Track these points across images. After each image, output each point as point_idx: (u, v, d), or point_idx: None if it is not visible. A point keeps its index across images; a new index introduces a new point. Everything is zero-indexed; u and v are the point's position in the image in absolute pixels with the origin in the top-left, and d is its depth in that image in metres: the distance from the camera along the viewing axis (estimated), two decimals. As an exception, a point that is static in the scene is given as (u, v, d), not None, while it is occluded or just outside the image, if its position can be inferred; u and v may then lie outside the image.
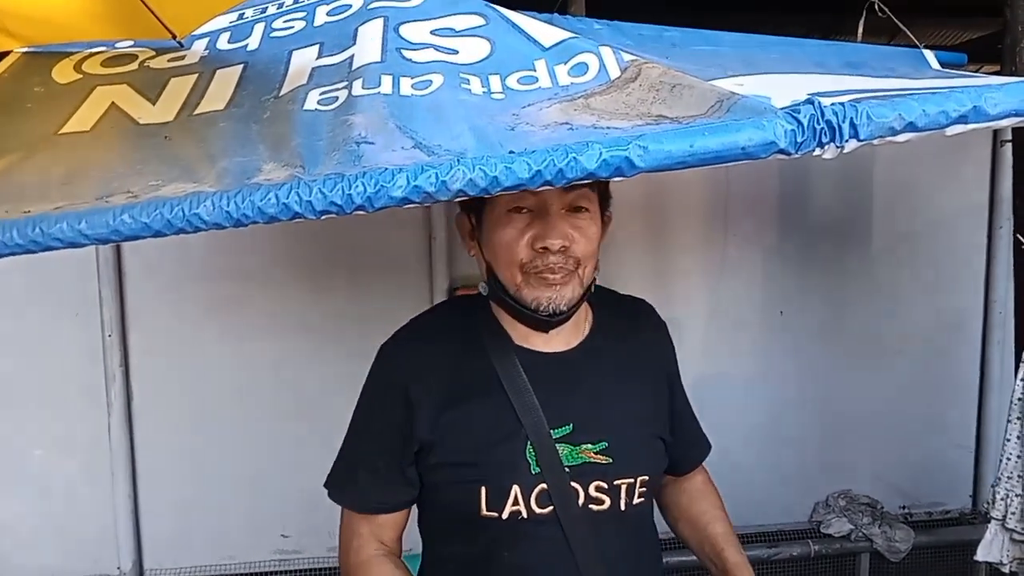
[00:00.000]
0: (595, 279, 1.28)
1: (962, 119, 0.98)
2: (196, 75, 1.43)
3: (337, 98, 1.25)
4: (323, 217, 0.95)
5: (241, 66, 1.45)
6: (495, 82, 1.30)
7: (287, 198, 0.94)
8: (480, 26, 1.46)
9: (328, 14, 1.56)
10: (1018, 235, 1.87)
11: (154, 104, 1.34)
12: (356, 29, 1.46)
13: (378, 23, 1.45)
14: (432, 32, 1.44)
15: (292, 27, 1.55)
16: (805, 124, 0.93)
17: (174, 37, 1.53)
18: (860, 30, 2.28)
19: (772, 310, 2.89)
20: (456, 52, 1.38)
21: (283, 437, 2.72)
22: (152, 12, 1.45)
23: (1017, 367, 1.86)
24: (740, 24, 2.27)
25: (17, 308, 2.56)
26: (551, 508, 1.22)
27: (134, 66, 1.50)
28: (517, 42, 1.40)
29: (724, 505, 1.49)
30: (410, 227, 2.72)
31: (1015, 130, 1.90)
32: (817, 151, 0.96)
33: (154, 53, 1.55)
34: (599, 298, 1.37)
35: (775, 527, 2.89)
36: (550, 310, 1.20)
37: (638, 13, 2.16)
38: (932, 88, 1.31)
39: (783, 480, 2.89)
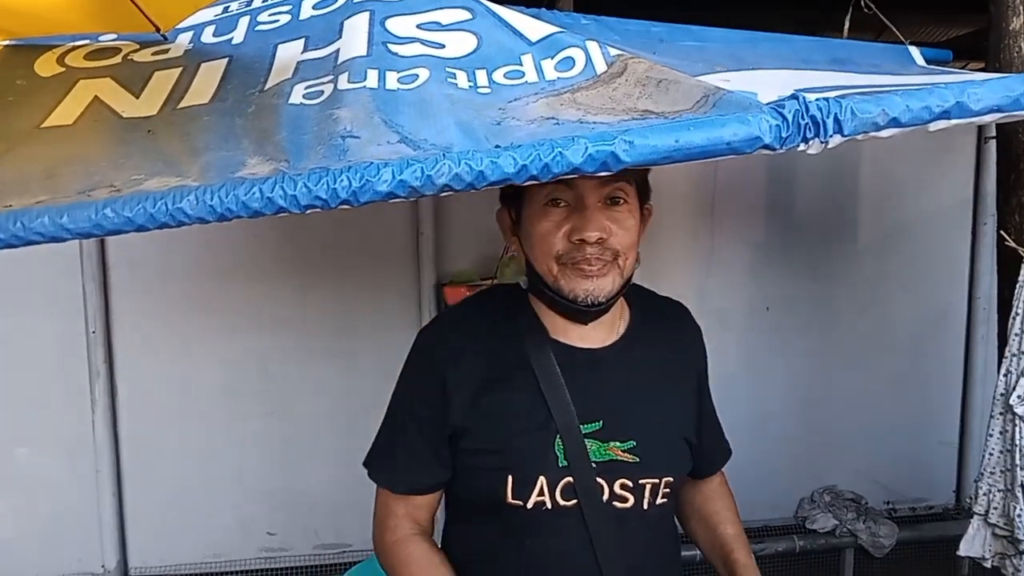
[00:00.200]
0: (634, 271, 1.28)
1: (945, 115, 0.98)
2: (180, 69, 1.42)
3: (323, 92, 1.24)
4: (308, 211, 0.95)
5: (226, 60, 1.44)
6: (481, 76, 1.30)
7: (271, 192, 0.93)
8: (467, 20, 1.45)
9: (314, 7, 1.55)
10: (1002, 231, 1.88)
11: (137, 98, 1.33)
12: (342, 23, 1.45)
13: (364, 17, 1.44)
14: (418, 26, 1.43)
15: (277, 21, 1.54)
16: (790, 119, 0.94)
17: (158, 30, 1.52)
18: (846, 26, 2.29)
19: (758, 306, 2.90)
20: (442, 46, 1.38)
21: (269, 435, 2.72)
22: (136, 5, 1.44)
23: (999, 363, 1.87)
24: (727, 20, 2.27)
25: (-1, 304, 2.54)
26: (575, 501, 1.23)
27: (117, 59, 1.49)
28: (504, 36, 1.40)
29: (737, 508, 1.51)
30: (397, 223, 2.71)
31: (999, 126, 1.91)
32: (802, 146, 0.96)
33: (138, 46, 1.54)
34: (637, 298, 1.38)
35: (760, 523, 2.91)
36: (588, 301, 1.21)
37: (625, 8, 2.17)
38: (916, 84, 1.32)
39: (769, 476, 2.91)
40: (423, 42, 1.38)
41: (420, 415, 1.31)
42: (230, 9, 1.63)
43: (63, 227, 0.93)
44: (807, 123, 0.94)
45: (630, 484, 1.25)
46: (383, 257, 2.74)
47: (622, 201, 1.21)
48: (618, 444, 1.25)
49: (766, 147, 0.94)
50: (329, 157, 1.04)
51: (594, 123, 1.08)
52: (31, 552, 2.63)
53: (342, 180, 0.93)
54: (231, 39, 1.51)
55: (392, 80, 1.26)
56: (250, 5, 1.62)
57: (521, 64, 1.32)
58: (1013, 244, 1.83)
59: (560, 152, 0.94)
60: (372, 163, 0.94)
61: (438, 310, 2.72)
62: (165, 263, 2.60)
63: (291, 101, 1.23)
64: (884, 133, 0.98)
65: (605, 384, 1.28)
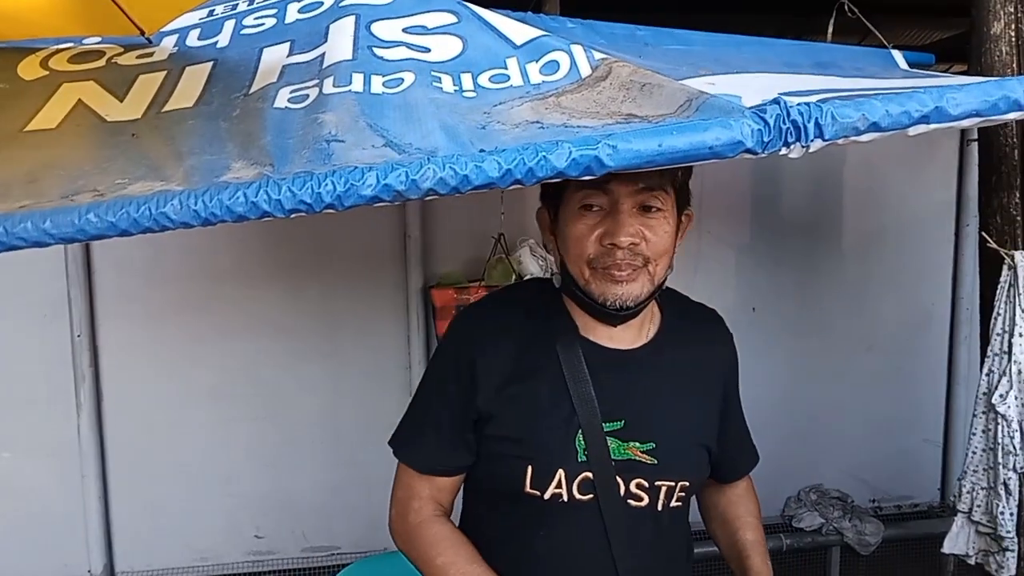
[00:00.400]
0: (667, 277, 1.29)
1: (924, 119, 0.99)
2: (165, 72, 1.41)
3: (308, 96, 1.24)
4: (293, 216, 0.95)
5: (211, 63, 1.43)
6: (467, 80, 1.30)
7: (256, 197, 0.93)
8: (452, 24, 1.46)
9: (299, 11, 1.55)
10: (983, 233, 1.90)
11: (122, 101, 1.32)
12: (327, 27, 1.45)
13: (350, 20, 1.44)
14: (404, 30, 1.43)
15: (263, 24, 1.54)
16: (771, 124, 0.95)
17: (143, 33, 1.51)
18: (830, 30, 2.31)
19: (744, 307, 2.92)
20: (428, 50, 1.38)
21: (257, 437, 2.71)
22: (120, 8, 1.43)
23: (982, 362, 1.89)
24: (712, 23, 2.28)
25: (-17, 308, 2.52)
26: (591, 496, 1.25)
27: (102, 63, 1.48)
28: (489, 40, 1.41)
29: (760, 514, 1.52)
30: (385, 225, 2.71)
31: (981, 129, 1.93)
32: (783, 150, 0.97)
33: (122, 50, 1.53)
34: (669, 302, 1.39)
35: (748, 521, 2.92)
36: (617, 305, 1.22)
37: (612, 12, 2.17)
38: (898, 88, 1.33)
39: (755, 475, 2.91)
40: (408, 46, 1.38)
41: (450, 397, 1.31)
42: (215, 13, 1.62)
43: (46, 232, 0.93)
44: (788, 128, 0.95)
45: (646, 484, 1.27)
46: (370, 260, 2.74)
47: (656, 208, 1.21)
48: (637, 445, 1.26)
49: (748, 151, 0.95)
50: (314, 161, 1.04)
51: (578, 127, 1.09)
52: (16, 556, 2.61)
53: (327, 184, 0.93)
54: (216, 43, 1.51)
55: (377, 84, 1.26)
56: (235, 9, 1.62)
57: (506, 68, 1.32)
58: (995, 245, 1.85)
59: (544, 156, 0.95)
60: (357, 167, 0.94)
61: (425, 313, 2.72)
62: (151, 266, 2.59)
63: (276, 105, 1.23)
64: (864, 137, 0.99)
65: (631, 385, 1.29)
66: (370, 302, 2.74)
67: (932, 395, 3.09)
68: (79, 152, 1.21)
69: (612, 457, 1.25)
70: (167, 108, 1.29)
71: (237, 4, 1.65)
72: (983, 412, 1.87)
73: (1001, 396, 1.81)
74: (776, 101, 0.97)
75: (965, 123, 1.04)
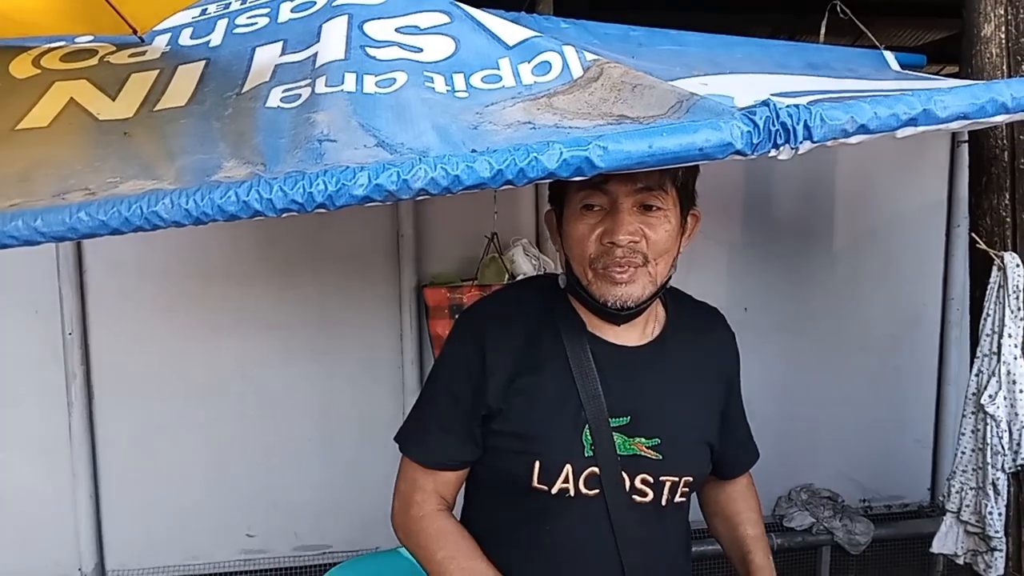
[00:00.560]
0: (670, 277, 1.30)
1: (912, 122, 1.00)
2: (157, 71, 1.41)
3: (300, 96, 1.24)
4: (284, 215, 0.95)
5: (203, 62, 1.43)
6: (459, 80, 1.31)
7: (247, 196, 0.93)
8: (445, 24, 1.46)
9: (292, 11, 1.55)
10: (973, 234, 1.91)
11: (114, 100, 1.33)
12: (320, 26, 1.45)
13: (342, 20, 1.44)
14: (397, 30, 1.44)
15: (255, 23, 1.54)
16: (761, 126, 0.95)
17: (135, 32, 1.52)
18: (822, 31, 2.32)
19: (736, 307, 2.93)
20: (420, 50, 1.39)
21: (248, 436, 2.71)
22: (113, 7, 1.43)
23: (972, 363, 1.90)
24: (706, 23, 2.29)
25: (-26, 306, 2.51)
26: (598, 491, 1.26)
27: (94, 61, 1.48)
28: (481, 40, 1.41)
29: (760, 510, 1.54)
30: (378, 224, 2.72)
31: (971, 132, 1.94)
32: (773, 152, 0.98)
33: (114, 48, 1.53)
34: (673, 301, 1.41)
35: (739, 521, 2.93)
36: (618, 305, 1.23)
37: (605, 12, 2.18)
38: (888, 90, 1.34)
39: (747, 475, 2.93)
40: (401, 46, 1.38)
41: (458, 392, 1.32)
42: (208, 12, 1.62)
43: (37, 230, 0.93)
44: (778, 129, 0.96)
45: (651, 480, 1.29)
46: (363, 258, 2.74)
47: (656, 208, 1.22)
48: (643, 440, 1.28)
49: (738, 153, 0.96)
50: (306, 161, 1.04)
51: (570, 128, 1.09)
52: (7, 554, 2.60)
53: (318, 184, 0.93)
54: (209, 42, 1.51)
55: (370, 84, 1.26)
56: (228, 8, 1.62)
57: (498, 68, 1.33)
58: (984, 246, 1.86)
59: (535, 157, 0.95)
60: (348, 167, 0.94)
61: (418, 312, 2.72)
62: (143, 264, 2.59)
63: (268, 104, 1.23)
64: (853, 139, 1.00)
65: (636, 381, 1.31)
66: (363, 301, 2.74)
67: (922, 395, 3.11)
68: (71, 151, 1.21)
69: (618, 452, 1.27)
70: (159, 107, 1.29)
71: (230, 3, 1.65)
72: (972, 412, 1.88)
73: (990, 396, 1.82)
74: (765, 103, 0.98)
75: (953, 125, 1.05)
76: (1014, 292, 1.78)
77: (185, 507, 2.70)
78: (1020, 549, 1.89)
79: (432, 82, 1.29)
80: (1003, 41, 1.85)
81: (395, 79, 1.28)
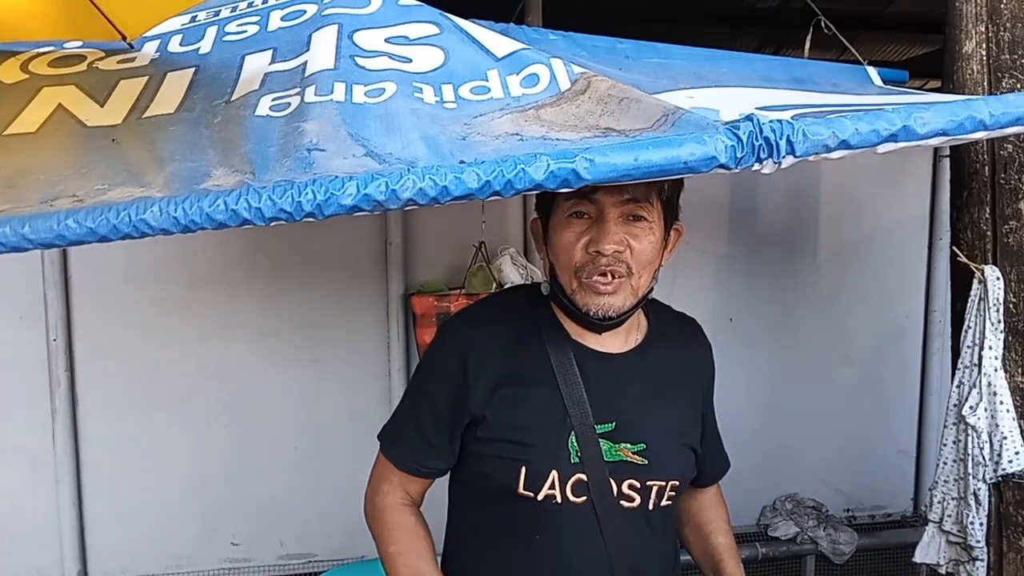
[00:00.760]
0: (651, 289, 1.32)
1: (892, 138, 1.02)
2: (146, 77, 1.42)
3: (289, 104, 1.25)
4: (273, 224, 0.96)
5: (192, 69, 1.44)
6: (448, 91, 1.32)
7: (236, 204, 0.94)
8: (434, 35, 1.47)
9: (282, 19, 1.56)
10: (954, 247, 1.93)
11: (102, 106, 1.33)
12: (310, 35, 1.46)
13: (332, 30, 1.45)
14: (386, 40, 1.45)
15: (245, 31, 1.55)
16: (744, 140, 0.97)
17: (124, 38, 1.52)
18: (807, 46, 2.34)
19: (722, 317, 2.95)
20: (410, 60, 1.40)
21: (233, 443, 2.70)
22: (102, 13, 1.43)
23: (953, 374, 1.92)
24: (693, 36, 2.32)
25: (-42, 311, 2.49)
26: (585, 498, 1.27)
27: (82, 67, 1.48)
28: (470, 52, 1.42)
29: (730, 519, 1.56)
30: (366, 232, 2.72)
31: (952, 146, 1.97)
32: (756, 166, 0.99)
33: (103, 54, 1.53)
34: (654, 311, 1.43)
35: (724, 530, 2.94)
36: (600, 315, 1.25)
37: (594, 23, 2.20)
38: (870, 105, 1.36)
39: (731, 484, 2.92)
40: (391, 56, 1.40)
41: (435, 402, 1.34)
42: (198, 19, 1.63)
43: (25, 237, 0.93)
44: (761, 144, 0.97)
45: (638, 485, 1.30)
46: (351, 266, 2.74)
47: (642, 219, 1.24)
48: (628, 446, 1.29)
49: (722, 166, 0.97)
50: (295, 170, 1.05)
51: (557, 140, 1.10)
52: (-12, 563, 2.58)
53: (307, 193, 0.94)
54: (198, 49, 1.52)
55: (359, 93, 1.27)
56: (218, 15, 1.62)
57: (487, 80, 1.34)
58: (965, 260, 1.88)
59: (523, 168, 0.96)
60: (337, 177, 0.95)
61: (406, 320, 2.72)
62: (129, 271, 2.58)
63: (258, 113, 1.24)
64: (835, 154, 1.01)
65: (620, 388, 1.32)
66: (350, 309, 2.74)
67: (905, 406, 3.13)
68: (59, 157, 1.21)
69: (604, 459, 1.28)
70: (148, 114, 1.30)
71: (220, 11, 1.66)
72: (954, 423, 1.90)
73: (971, 408, 1.84)
74: (749, 118, 0.99)
75: (933, 142, 1.07)
76: (994, 305, 1.81)
77: (169, 514, 2.68)
78: (1001, 559, 1.91)
79: (421, 93, 1.30)
80: (984, 58, 1.87)
81: (384, 89, 1.29)
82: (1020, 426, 1.81)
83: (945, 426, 1.93)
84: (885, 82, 2.07)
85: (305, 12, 1.55)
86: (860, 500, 3.15)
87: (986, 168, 1.88)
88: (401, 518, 1.36)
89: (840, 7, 2.53)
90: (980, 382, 1.84)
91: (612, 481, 1.28)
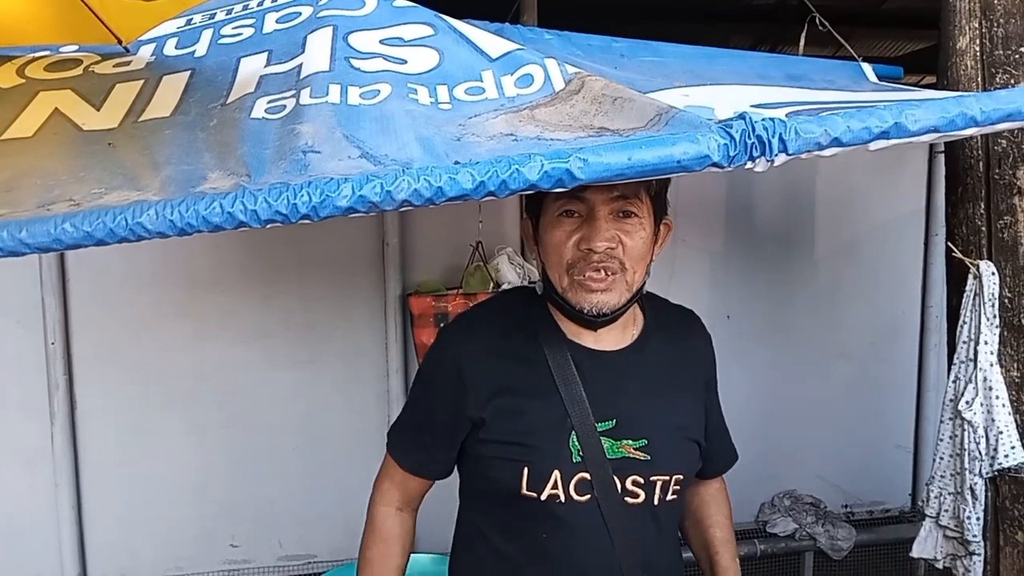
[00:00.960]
0: (644, 283, 1.33)
1: (884, 135, 1.02)
2: (142, 81, 1.42)
3: (285, 107, 1.26)
4: (269, 226, 0.96)
5: (188, 73, 1.44)
6: (443, 92, 1.32)
7: (232, 207, 0.94)
8: (429, 36, 1.47)
9: (277, 22, 1.56)
10: (949, 243, 1.94)
11: (98, 110, 1.33)
12: (305, 37, 1.46)
13: (327, 32, 1.46)
14: (381, 41, 1.45)
15: (241, 34, 1.55)
16: (737, 139, 0.97)
17: (120, 42, 1.52)
18: (802, 42, 2.35)
19: (719, 315, 2.95)
20: (405, 62, 1.40)
21: (232, 445, 2.70)
22: (97, 17, 1.43)
23: (949, 370, 1.93)
24: (689, 34, 2.33)
25: (-44, 315, 2.49)
26: (589, 496, 1.28)
27: (78, 71, 1.49)
28: (465, 53, 1.43)
29: (731, 514, 1.57)
30: (363, 233, 2.72)
31: (947, 142, 1.97)
32: (749, 164, 1.00)
33: (99, 58, 1.54)
34: (651, 305, 1.43)
35: (723, 527, 2.95)
36: (594, 312, 1.26)
37: (590, 22, 2.21)
38: (864, 102, 1.37)
39: (729, 481, 2.94)
40: (385, 57, 1.40)
41: (434, 410, 1.37)
42: (193, 22, 1.63)
43: (22, 242, 0.94)
44: (753, 143, 0.98)
45: (641, 480, 1.30)
46: (349, 267, 2.74)
47: (633, 215, 1.24)
48: (630, 442, 1.29)
49: (715, 165, 0.98)
50: (290, 172, 1.05)
51: (551, 140, 1.11)
52: (-12, 566, 2.59)
53: (302, 195, 0.94)
54: (194, 52, 1.52)
55: (354, 95, 1.27)
56: (213, 18, 1.63)
57: (481, 80, 1.34)
58: (960, 255, 1.88)
59: (517, 169, 0.97)
60: (332, 178, 0.95)
61: (403, 320, 2.73)
62: (126, 273, 2.58)
63: (253, 115, 1.24)
64: (827, 152, 1.02)
65: (618, 385, 1.32)
66: (348, 309, 2.74)
67: (903, 401, 3.14)
68: (55, 161, 1.21)
69: (607, 456, 1.28)
70: (144, 117, 1.30)
71: (215, 13, 1.66)
72: (950, 418, 1.91)
73: (967, 403, 1.84)
74: (742, 116, 1.00)
75: (925, 139, 1.08)
76: (990, 300, 1.81)
77: (168, 517, 2.69)
78: (998, 553, 1.92)
79: (416, 94, 1.31)
80: (978, 54, 1.88)
81: (379, 91, 1.29)
82: (1016, 420, 1.82)
83: (941, 421, 1.93)
84: (880, 78, 2.07)
85: (300, 14, 1.56)
86: (858, 496, 3.15)
87: (980, 164, 1.88)
88: (387, 525, 1.42)
89: (835, 3, 2.54)
90: (976, 377, 1.84)
91: (616, 478, 1.29)
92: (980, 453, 1.85)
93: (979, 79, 1.89)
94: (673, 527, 1.41)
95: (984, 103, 1.08)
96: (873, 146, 1.03)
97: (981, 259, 1.87)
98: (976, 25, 1.88)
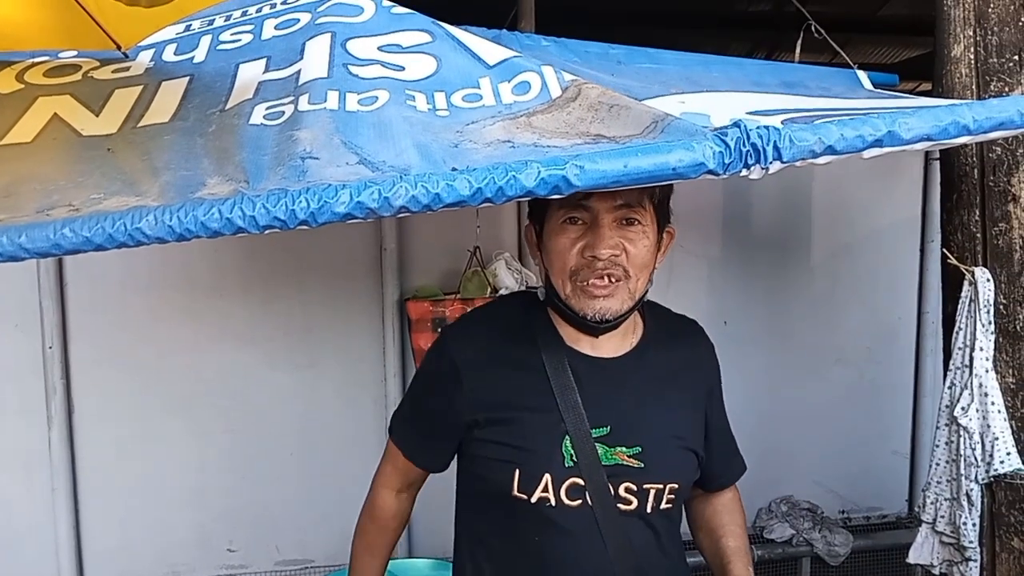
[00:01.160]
0: (647, 291, 1.33)
1: (877, 143, 1.03)
2: (141, 87, 1.43)
3: (283, 113, 1.26)
4: (266, 232, 0.97)
5: (187, 79, 1.45)
6: (440, 99, 1.33)
7: (230, 213, 0.95)
8: (427, 43, 1.48)
9: (276, 28, 1.57)
10: (944, 250, 1.95)
11: (97, 116, 1.34)
12: (303, 44, 1.47)
13: (326, 38, 1.47)
14: (379, 48, 1.46)
15: (239, 40, 1.56)
16: (732, 146, 0.98)
17: (119, 48, 1.53)
18: (798, 50, 2.36)
19: (717, 320, 2.95)
20: (402, 68, 1.41)
21: (230, 449, 2.70)
22: (96, 22, 1.44)
23: (945, 376, 1.93)
24: (686, 40, 2.33)
25: (-46, 319, 2.50)
26: (580, 501, 1.28)
27: (78, 77, 1.49)
28: (462, 60, 1.43)
29: (745, 524, 1.57)
30: (361, 238, 2.73)
31: (942, 149, 1.98)
32: (744, 172, 1.00)
33: (98, 64, 1.54)
34: (652, 313, 1.44)
35: (720, 533, 2.95)
36: (597, 318, 1.27)
37: (587, 28, 2.22)
38: (858, 109, 1.38)
39: (728, 487, 2.96)
40: (384, 64, 1.41)
41: (431, 410, 1.40)
42: (192, 28, 1.64)
43: (21, 246, 0.94)
44: (748, 150, 0.99)
45: (634, 488, 1.31)
46: (347, 272, 2.74)
47: (636, 222, 1.25)
48: (624, 449, 1.30)
49: (710, 172, 0.99)
50: (288, 178, 1.06)
51: (548, 147, 1.11)
52: (-16, 571, 2.58)
53: (300, 201, 0.95)
54: (192, 58, 1.53)
55: (352, 102, 1.28)
56: (212, 24, 1.63)
57: (479, 87, 1.35)
58: (955, 262, 1.89)
59: (514, 176, 0.97)
60: (330, 185, 0.96)
61: (401, 325, 2.73)
62: (124, 278, 2.58)
63: (252, 121, 1.25)
64: (821, 160, 1.03)
65: (615, 391, 1.33)
66: (346, 314, 2.75)
67: (899, 407, 3.15)
68: (54, 166, 1.22)
69: (601, 462, 1.29)
70: (143, 123, 1.31)
71: (214, 20, 1.67)
72: (946, 424, 1.91)
73: (963, 409, 1.85)
74: (737, 124, 1.00)
75: (918, 146, 1.08)
76: (985, 306, 1.82)
77: (165, 521, 2.68)
78: (994, 559, 1.92)
79: (414, 100, 1.31)
80: (972, 61, 1.89)
81: (377, 97, 1.30)
82: (1012, 427, 1.82)
83: (937, 427, 1.94)
84: (876, 85, 2.08)
85: (299, 21, 1.57)
86: (855, 501, 3.16)
87: (975, 171, 1.89)
88: (386, 504, 1.47)
89: (832, 10, 2.56)
90: (971, 383, 1.85)
91: (609, 485, 1.29)
92: (976, 459, 1.85)
93: (974, 87, 1.90)
94: (673, 536, 1.41)
95: (977, 112, 1.09)
96: (867, 154, 1.04)
97: (976, 265, 1.88)
98: (971, 33, 1.89)
